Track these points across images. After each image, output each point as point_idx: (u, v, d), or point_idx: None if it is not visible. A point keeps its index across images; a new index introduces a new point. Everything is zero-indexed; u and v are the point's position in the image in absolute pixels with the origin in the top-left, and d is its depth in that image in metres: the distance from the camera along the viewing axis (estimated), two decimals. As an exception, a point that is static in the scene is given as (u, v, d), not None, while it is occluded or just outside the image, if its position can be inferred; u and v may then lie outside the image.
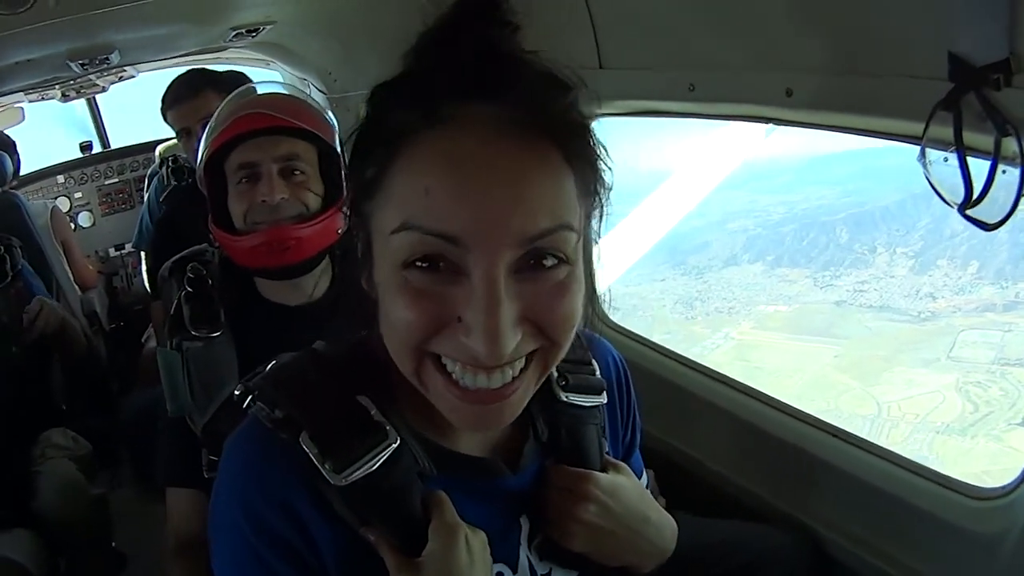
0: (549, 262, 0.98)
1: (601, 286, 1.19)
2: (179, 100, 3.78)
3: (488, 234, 0.94)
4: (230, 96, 2.34)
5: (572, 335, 1.05)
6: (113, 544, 3.49)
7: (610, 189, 1.12)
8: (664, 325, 10.23)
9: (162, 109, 3.87)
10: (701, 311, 10.56)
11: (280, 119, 2.14)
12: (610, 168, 1.10)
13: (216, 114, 2.27)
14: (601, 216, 1.13)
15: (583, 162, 1.02)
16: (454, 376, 1.02)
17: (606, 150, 1.10)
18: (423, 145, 0.97)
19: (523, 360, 1.03)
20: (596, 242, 1.15)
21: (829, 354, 9.13)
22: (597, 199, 1.09)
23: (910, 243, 10.07)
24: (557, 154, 0.98)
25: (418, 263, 0.97)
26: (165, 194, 4.11)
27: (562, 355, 1.07)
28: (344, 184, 2.19)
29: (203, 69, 3.99)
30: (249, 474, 1.14)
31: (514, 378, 1.03)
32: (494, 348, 0.95)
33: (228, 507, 1.14)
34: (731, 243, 11.25)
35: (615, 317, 3.18)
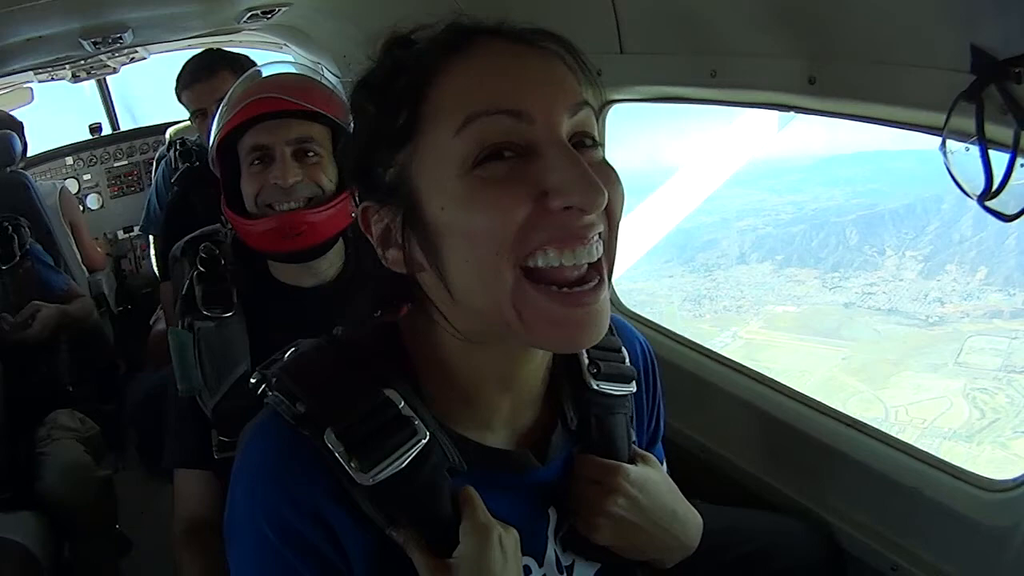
0: (588, 141, 1.06)
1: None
2: (195, 80, 3.75)
3: (546, 102, 1.02)
4: (242, 78, 2.34)
5: (620, 220, 1.09)
6: (118, 526, 3.49)
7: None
8: (672, 322, 10.20)
9: (177, 90, 3.84)
10: (709, 309, 10.56)
11: (292, 102, 2.12)
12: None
13: (228, 96, 2.25)
14: None
15: (587, 78, 1.11)
16: (548, 277, 1.02)
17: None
18: (460, 63, 1.05)
19: (600, 246, 1.05)
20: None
21: (837, 356, 9.12)
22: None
23: (919, 247, 10.05)
24: (570, 63, 1.09)
25: (487, 157, 1.00)
26: (177, 176, 4.10)
27: (615, 250, 1.09)
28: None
29: (219, 49, 3.97)
30: (271, 475, 1.12)
31: (597, 261, 1.05)
32: (590, 188, 0.99)
33: (249, 510, 1.12)
34: (740, 241, 11.24)
35: (623, 312, 3.18)
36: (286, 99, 2.11)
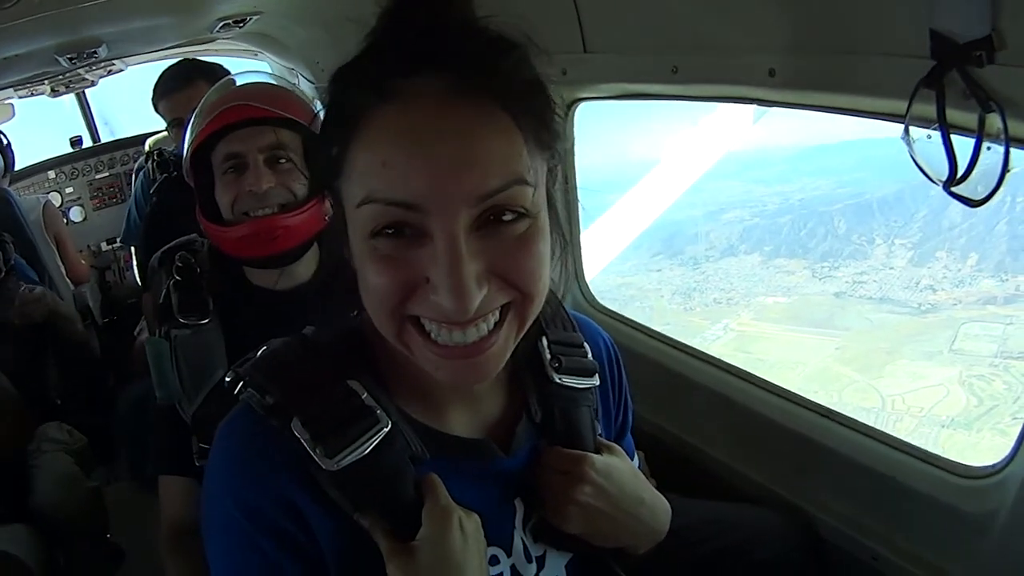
0: (508, 216, 1.02)
1: (590, 273, 1.20)
2: (171, 90, 3.79)
3: (444, 197, 0.98)
4: (212, 88, 2.36)
5: (544, 286, 1.09)
6: (109, 536, 3.50)
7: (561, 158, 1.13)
8: (663, 316, 10.19)
9: (153, 100, 3.90)
10: (699, 302, 10.52)
11: (264, 109, 2.15)
12: (559, 117, 1.13)
13: (200, 106, 2.29)
14: (560, 170, 1.18)
15: (533, 119, 1.05)
16: (432, 335, 1.05)
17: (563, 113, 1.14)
18: (377, 121, 1.01)
19: (497, 314, 1.07)
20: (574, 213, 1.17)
21: (831, 346, 9.08)
22: (554, 152, 1.12)
23: (908, 234, 10.02)
24: (503, 114, 1.01)
25: (384, 231, 1.01)
26: (155, 186, 4.10)
27: (537, 308, 1.11)
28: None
29: (194, 59, 3.99)
30: (241, 462, 1.16)
31: (490, 332, 1.06)
32: (461, 303, 0.99)
33: (221, 497, 1.16)
34: (728, 233, 11.21)
35: (612, 307, 3.20)
36: (256, 106, 2.15)
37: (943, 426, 7.41)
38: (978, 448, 6.80)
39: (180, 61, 3.98)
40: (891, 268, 9.89)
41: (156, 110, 3.91)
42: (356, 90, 1.04)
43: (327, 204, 1.61)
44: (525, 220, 1.04)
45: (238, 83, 2.37)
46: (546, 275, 1.09)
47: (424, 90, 1.00)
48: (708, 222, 11.40)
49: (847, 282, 9.98)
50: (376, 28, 1.05)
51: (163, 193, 3.93)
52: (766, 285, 10.54)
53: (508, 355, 1.12)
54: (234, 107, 2.16)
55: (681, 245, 11.21)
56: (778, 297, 10.35)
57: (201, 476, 2.06)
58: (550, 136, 1.10)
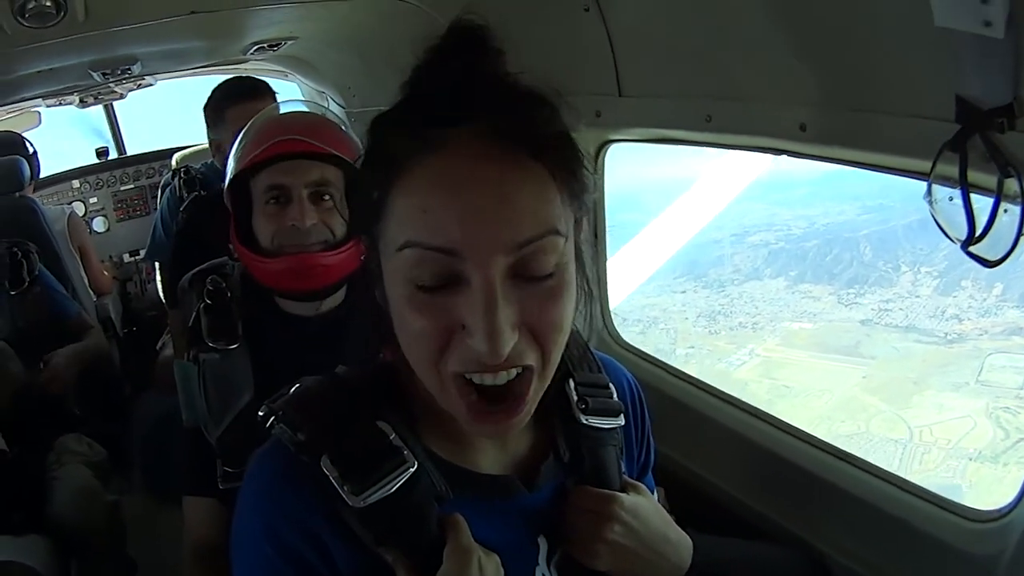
0: (540, 271, 1.05)
1: (615, 300, 1.21)
2: (244, 98, 3.67)
3: (481, 244, 1.02)
4: (257, 116, 2.36)
5: (562, 342, 1.12)
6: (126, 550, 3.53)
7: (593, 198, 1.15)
8: (687, 339, 10.11)
9: (220, 107, 3.74)
10: (724, 325, 10.41)
11: (315, 146, 2.15)
12: (589, 171, 1.16)
13: (246, 131, 2.30)
14: (586, 221, 1.20)
15: (564, 171, 1.08)
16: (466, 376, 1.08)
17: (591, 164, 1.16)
18: (418, 170, 1.04)
19: (521, 370, 1.09)
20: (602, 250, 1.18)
21: (857, 374, 8.95)
22: (582, 204, 1.14)
23: (934, 263, 9.91)
24: (539, 166, 1.04)
25: (423, 277, 1.04)
26: (185, 204, 4.07)
27: (554, 367, 1.13)
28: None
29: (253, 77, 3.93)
30: (271, 495, 1.20)
31: (518, 375, 1.09)
32: (495, 346, 1.02)
33: (251, 526, 1.20)
34: (752, 257, 11.14)
35: (636, 329, 3.22)
36: (308, 141, 2.15)
37: (970, 459, 7.30)
38: (1004, 482, 6.69)
39: (246, 76, 3.92)
40: (917, 296, 9.79)
41: (220, 118, 3.73)
42: (397, 137, 1.08)
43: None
44: (550, 279, 1.07)
45: (283, 111, 2.38)
46: (567, 330, 1.12)
47: (463, 140, 1.03)
48: (732, 244, 11.33)
49: (873, 309, 9.87)
50: (414, 78, 1.09)
51: (191, 212, 3.91)
52: (791, 310, 10.45)
53: (533, 407, 1.15)
54: (286, 139, 2.16)
55: (705, 267, 11.13)
56: (804, 323, 10.25)
57: (225, 497, 2.11)
58: (580, 187, 1.12)
